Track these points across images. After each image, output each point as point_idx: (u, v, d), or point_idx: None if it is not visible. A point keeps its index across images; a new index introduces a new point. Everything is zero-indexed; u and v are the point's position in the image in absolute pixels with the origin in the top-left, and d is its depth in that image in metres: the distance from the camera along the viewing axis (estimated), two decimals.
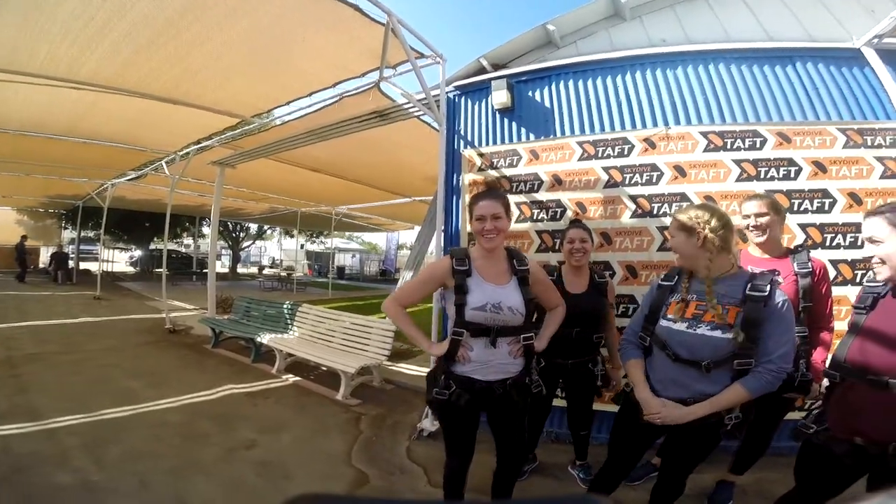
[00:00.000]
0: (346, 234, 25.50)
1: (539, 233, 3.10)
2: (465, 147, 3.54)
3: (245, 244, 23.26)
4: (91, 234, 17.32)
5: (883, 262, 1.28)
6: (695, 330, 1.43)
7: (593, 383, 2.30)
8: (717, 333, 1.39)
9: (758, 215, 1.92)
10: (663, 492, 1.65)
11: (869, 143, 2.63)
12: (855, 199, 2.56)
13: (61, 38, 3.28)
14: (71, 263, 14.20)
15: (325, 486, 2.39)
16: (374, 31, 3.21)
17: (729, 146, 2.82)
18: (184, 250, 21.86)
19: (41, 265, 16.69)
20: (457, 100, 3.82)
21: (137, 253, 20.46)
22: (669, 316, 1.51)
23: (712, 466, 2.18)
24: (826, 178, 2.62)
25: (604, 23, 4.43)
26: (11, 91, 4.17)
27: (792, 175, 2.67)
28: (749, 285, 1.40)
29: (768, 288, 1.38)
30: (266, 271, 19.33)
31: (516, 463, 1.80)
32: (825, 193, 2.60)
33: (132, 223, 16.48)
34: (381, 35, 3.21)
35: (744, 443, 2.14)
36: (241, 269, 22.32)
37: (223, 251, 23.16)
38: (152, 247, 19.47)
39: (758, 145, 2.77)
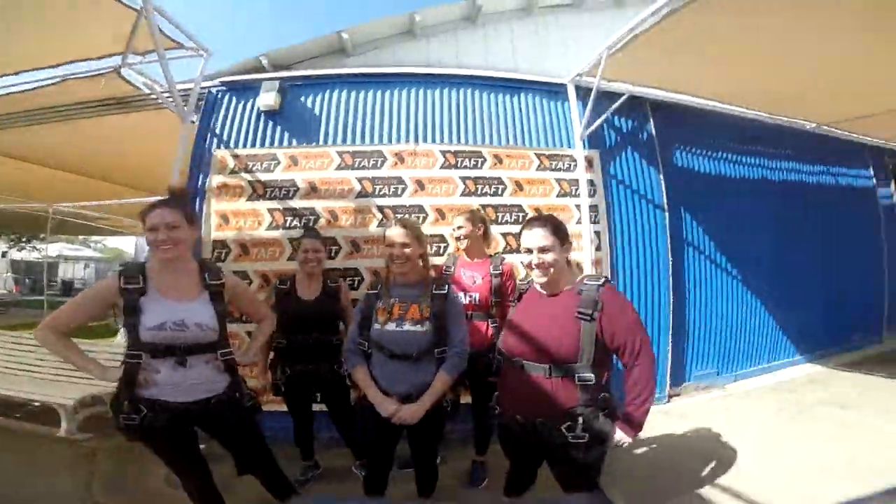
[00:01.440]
0: (80, 237, 19.57)
1: (291, 241, 3.09)
2: (219, 146, 3.31)
3: None
4: None
5: (551, 266, 1.47)
6: (401, 327, 1.64)
7: (343, 384, 2.35)
8: (418, 328, 1.63)
9: (458, 227, 2.34)
10: (422, 477, 1.84)
11: (553, 167, 3.40)
12: (538, 213, 3.26)
13: None
14: None
15: None
16: (123, 14, 2.74)
17: (458, 164, 3.29)
18: None
19: None
20: (220, 96, 3.54)
21: None
22: (380, 319, 1.68)
23: (467, 451, 2.53)
24: (522, 196, 3.30)
25: (396, 38, 4.67)
26: None
27: (500, 192, 3.27)
28: (434, 286, 1.71)
29: (447, 287, 1.71)
30: None
31: (271, 476, 1.79)
32: (520, 208, 3.27)
33: None
34: (132, 19, 2.78)
35: (475, 426, 2.49)
36: None
37: None
38: None
39: (479, 165, 3.31)
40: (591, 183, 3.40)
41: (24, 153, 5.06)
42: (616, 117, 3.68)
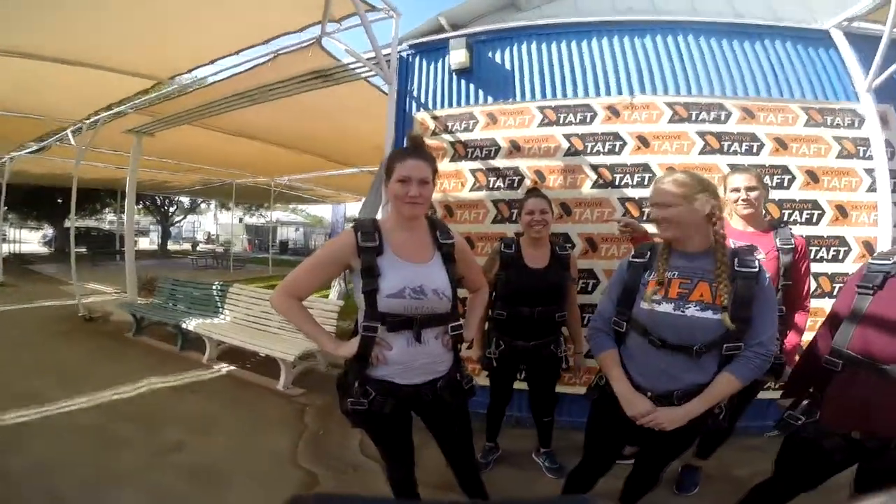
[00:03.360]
0: (290, 206, 23.78)
1: (495, 202, 2.82)
2: (418, 109, 3.19)
3: (176, 219, 21.55)
4: None
5: None
6: (683, 311, 1.23)
7: (557, 367, 2.10)
8: (709, 314, 1.21)
9: (748, 188, 1.78)
10: (638, 483, 1.54)
11: (828, 123, 2.60)
12: (812, 176, 2.51)
13: None
14: None
15: (269, 490, 2.11)
16: None
17: (693, 118, 2.68)
18: (107, 227, 19.65)
19: None
20: (410, 59, 3.45)
21: (51, 232, 18.20)
22: (651, 297, 1.29)
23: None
24: (787, 155, 2.56)
25: None
26: None
27: (754, 150, 2.58)
28: (736, 260, 1.25)
29: (757, 264, 1.25)
30: (200, 247, 17.58)
31: (468, 463, 1.56)
32: (785, 170, 2.53)
33: (40, 199, 14.71)
34: None
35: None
36: (173, 246, 20.55)
37: (151, 227, 21.12)
38: (67, 224, 17.36)
39: (722, 119, 2.66)
40: (889, 143, 2.52)
41: (252, 132, 5.91)
42: None
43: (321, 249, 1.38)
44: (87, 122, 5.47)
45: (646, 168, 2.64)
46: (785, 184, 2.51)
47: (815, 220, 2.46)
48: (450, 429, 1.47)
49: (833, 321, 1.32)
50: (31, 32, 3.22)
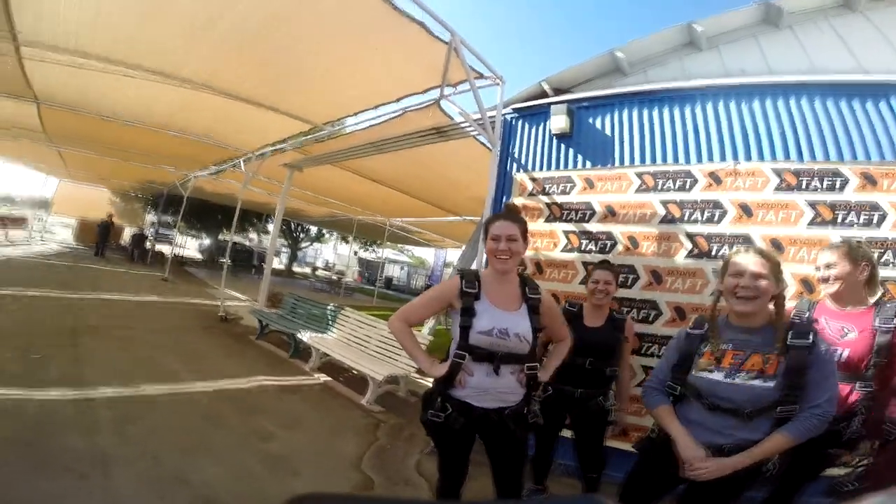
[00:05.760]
0: (398, 245, 26.03)
1: (585, 264, 3.04)
2: (518, 170, 3.56)
3: (303, 244, 24.61)
4: (170, 219, 19.06)
5: None
6: (733, 380, 1.39)
7: (603, 419, 2.27)
8: (758, 382, 1.36)
9: (827, 266, 1.83)
10: None
11: None
12: None
13: (171, 34, 3.65)
14: (148, 245, 15.77)
15: (330, 485, 2.42)
16: (437, 49, 3.32)
17: (804, 186, 2.62)
18: (247, 244, 23.36)
19: (122, 243, 18.69)
20: (514, 122, 3.86)
21: (207, 241, 22.32)
22: (703, 365, 1.47)
23: None
24: None
25: (677, 51, 4.32)
26: (125, 84, 4.69)
27: (875, 221, 2.44)
28: (791, 333, 1.37)
29: (811, 336, 1.35)
30: (319, 273, 20.29)
31: (514, 493, 1.73)
32: None
33: (206, 213, 17.90)
34: (443, 53, 3.32)
35: (773, 495, 1.98)
36: (296, 268, 23.69)
37: (282, 249, 24.56)
38: (220, 237, 21.20)
39: (837, 186, 2.56)
40: None
41: (376, 175, 7.04)
42: None
43: (432, 289, 1.74)
44: (256, 153, 6.91)
45: (746, 239, 2.64)
46: None
47: None
48: (506, 454, 1.65)
49: None
50: (234, 75, 4.23)
